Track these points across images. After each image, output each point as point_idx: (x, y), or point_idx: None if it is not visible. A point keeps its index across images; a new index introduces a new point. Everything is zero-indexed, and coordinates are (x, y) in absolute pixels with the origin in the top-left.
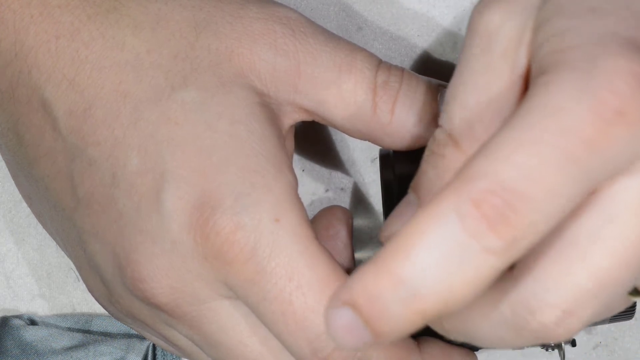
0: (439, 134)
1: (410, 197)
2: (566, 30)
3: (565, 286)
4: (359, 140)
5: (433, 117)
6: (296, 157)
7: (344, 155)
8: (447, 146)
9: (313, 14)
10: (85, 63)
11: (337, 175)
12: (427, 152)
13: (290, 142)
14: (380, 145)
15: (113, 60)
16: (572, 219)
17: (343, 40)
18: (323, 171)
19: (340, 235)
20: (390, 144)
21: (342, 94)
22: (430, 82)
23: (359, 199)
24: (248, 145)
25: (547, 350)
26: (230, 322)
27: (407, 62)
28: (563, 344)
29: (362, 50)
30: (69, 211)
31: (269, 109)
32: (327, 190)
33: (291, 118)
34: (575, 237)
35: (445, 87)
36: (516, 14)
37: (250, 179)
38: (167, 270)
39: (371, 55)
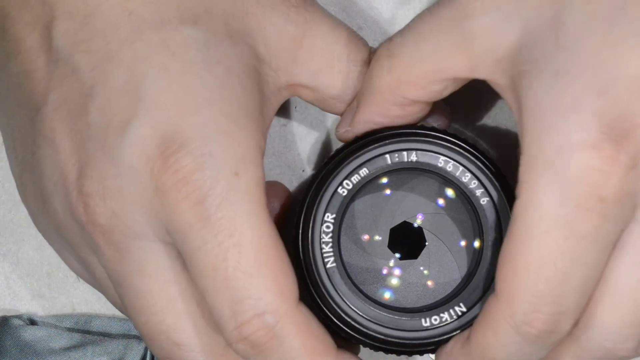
0: None
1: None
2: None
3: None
4: None
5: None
6: (297, 158)
7: None
8: None
9: None
10: None
11: None
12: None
13: (270, 120)
14: None
15: None
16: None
17: (343, 23)
18: None
19: (272, 209)
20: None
21: (339, 64)
22: None
23: None
24: (235, 97)
25: None
26: (151, 267)
27: None
28: None
29: (358, 35)
30: (33, 111)
31: (263, 78)
32: None
33: (282, 96)
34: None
35: None
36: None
37: (225, 125)
38: (115, 193)
39: (365, 41)
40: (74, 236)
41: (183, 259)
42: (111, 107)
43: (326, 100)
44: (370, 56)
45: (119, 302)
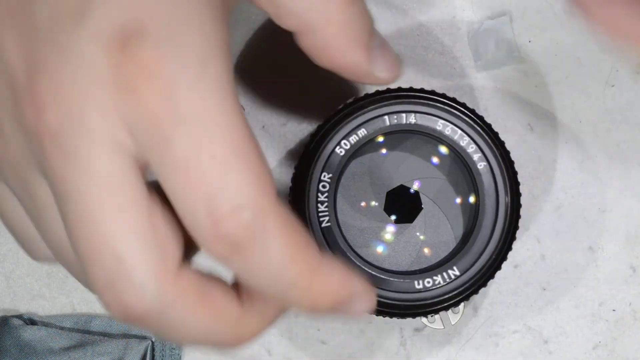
0: None
1: None
2: None
3: None
4: None
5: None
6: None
7: None
8: None
9: None
10: None
11: None
12: None
13: (230, 10)
14: (321, 40)
15: None
16: None
17: None
18: None
19: None
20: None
21: None
22: None
23: None
24: None
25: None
26: (101, 172)
27: (407, 62)
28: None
29: None
30: None
31: None
32: None
33: None
34: None
35: None
36: None
37: (187, 14)
38: (67, 87)
39: None
40: (18, 155)
41: (142, 171)
42: None
43: (288, 15)
44: None
45: (65, 247)
